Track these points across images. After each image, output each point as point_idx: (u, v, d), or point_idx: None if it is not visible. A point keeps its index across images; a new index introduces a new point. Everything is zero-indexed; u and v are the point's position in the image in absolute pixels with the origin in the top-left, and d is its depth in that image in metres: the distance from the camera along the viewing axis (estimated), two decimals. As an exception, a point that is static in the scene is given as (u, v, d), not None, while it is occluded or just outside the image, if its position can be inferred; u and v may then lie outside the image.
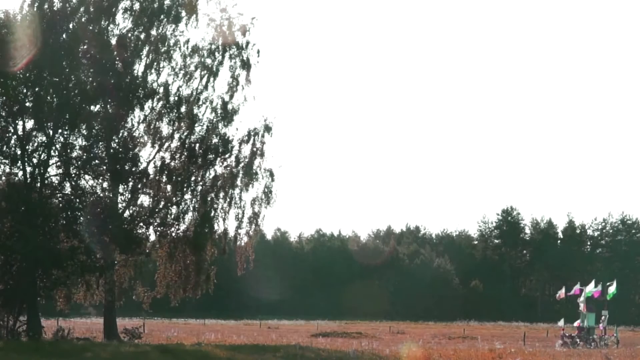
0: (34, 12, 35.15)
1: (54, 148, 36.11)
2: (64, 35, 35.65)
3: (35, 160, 35.99)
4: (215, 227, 41.34)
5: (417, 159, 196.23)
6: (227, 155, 41.15)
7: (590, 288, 46.78)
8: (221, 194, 41.26)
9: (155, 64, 39.71)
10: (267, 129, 41.90)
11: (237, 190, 41.45)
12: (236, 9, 41.41)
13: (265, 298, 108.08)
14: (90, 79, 36.26)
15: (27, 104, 35.32)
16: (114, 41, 38.35)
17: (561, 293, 51.22)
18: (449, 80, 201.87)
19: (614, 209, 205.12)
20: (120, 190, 38.40)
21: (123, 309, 50.39)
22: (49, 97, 35.36)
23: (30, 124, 35.78)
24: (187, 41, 40.52)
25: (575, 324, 47.04)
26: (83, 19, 36.94)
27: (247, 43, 41.64)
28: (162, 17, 39.31)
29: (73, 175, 36.41)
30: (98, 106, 37.36)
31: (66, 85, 35.36)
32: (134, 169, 37.17)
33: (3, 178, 36.07)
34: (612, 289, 47.51)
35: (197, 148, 40.56)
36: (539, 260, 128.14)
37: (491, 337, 51.68)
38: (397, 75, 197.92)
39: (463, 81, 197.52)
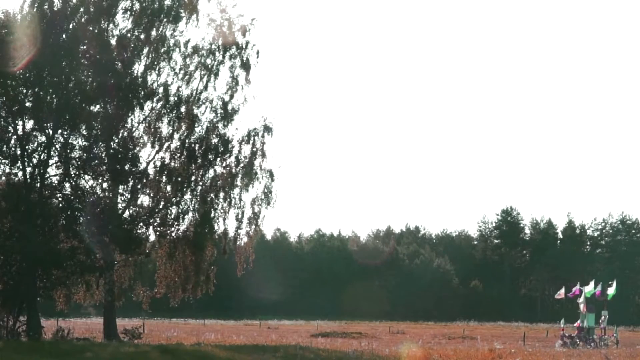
0: (34, 12, 35.14)
1: (53, 148, 36.09)
2: (64, 36, 35.63)
3: (35, 161, 35.97)
4: (215, 227, 41.41)
5: (416, 159, 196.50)
6: (227, 156, 41.18)
7: (590, 288, 46.78)
8: (221, 194, 41.30)
9: (155, 64, 39.74)
10: (267, 129, 41.96)
11: (237, 191, 41.53)
12: (236, 10, 41.54)
13: (265, 298, 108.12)
14: (90, 79, 36.24)
15: (27, 104, 35.30)
16: (114, 41, 38.36)
17: (560, 293, 51.23)
18: (448, 81, 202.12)
19: (614, 209, 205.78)
20: (120, 191, 38.40)
21: (123, 309, 50.43)
22: (48, 97, 35.36)
23: (30, 124, 35.78)
24: (187, 41, 40.63)
25: (575, 324, 47.05)
26: (83, 19, 36.93)
27: (247, 43, 41.72)
28: (162, 17, 39.32)
29: (73, 175, 36.39)
30: (98, 106, 37.35)
31: (66, 85, 35.35)
32: (133, 169, 37.17)
33: (3, 178, 36.06)
34: (612, 289, 47.51)
35: (197, 148, 40.57)
36: (539, 261, 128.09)
37: (491, 337, 51.69)
38: (397, 75, 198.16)
39: (463, 81, 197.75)
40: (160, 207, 40.29)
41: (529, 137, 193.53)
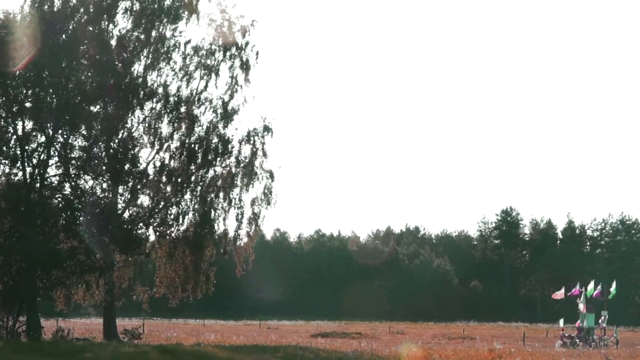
0: (33, 13, 35.14)
1: (53, 148, 36.10)
2: (63, 36, 35.62)
3: (34, 161, 35.99)
4: (215, 227, 41.38)
5: (416, 159, 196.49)
6: (227, 156, 41.16)
7: (590, 288, 46.79)
8: (221, 195, 41.28)
9: (155, 64, 39.70)
10: (267, 129, 41.94)
11: (237, 191, 41.50)
12: (236, 10, 41.52)
13: (265, 298, 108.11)
14: (90, 79, 36.24)
15: (27, 105, 35.31)
16: (113, 41, 38.36)
17: (557, 294, 51.21)
18: (448, 81, 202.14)
19: (614, 210, 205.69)
20: (120, 191, 38.40)
21: (123, 309, 50.41)
22: (48, 98, 35.36)
23: (29, 124, 35.78)
24: (188, 42, 40.59)
25: (575, 324, 47.04)
26: (83, 19, 36.92)
27: (247, 44, 41.70)
28: (162, 17, 39.31)
29: (73, 175, 36.40)
30: (98, 106, 37.34)
31: (66, 85, 35.34)
32: (133, 170, 37.17)
33: (3, 178, 36.07)
34: (611, 289, 47.52)
35: (197, 148, 40.56)
36: (539, 261, 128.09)
37: (491, 338, 51.71)
38: (397, 75, 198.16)
39: (462, 81, 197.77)
40: (160, 207, 40.28)
41: (529, 137, 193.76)
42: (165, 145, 40.50)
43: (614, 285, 47.98)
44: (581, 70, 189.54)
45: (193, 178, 40.86)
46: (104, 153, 36.94)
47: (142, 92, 38.08)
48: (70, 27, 36.05)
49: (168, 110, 40.07)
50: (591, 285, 47.01)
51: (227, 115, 41.21)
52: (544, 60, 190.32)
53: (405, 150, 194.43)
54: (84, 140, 36.31)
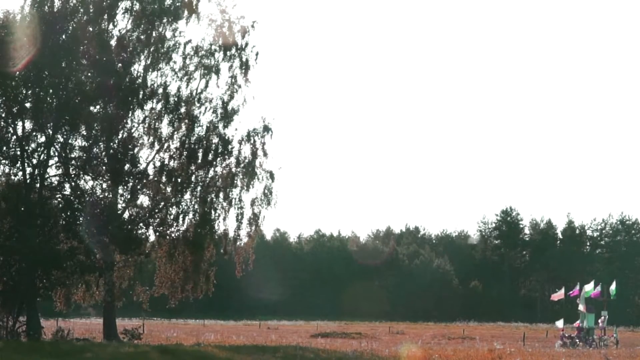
0: (33, 13, 35.17)
1: (53, 149, 36.13)
2: (63, 36, 35.65)
3: (34, 161, 36.02)
4: (215, 227, 41.37)
5: (416, 160, 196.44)
6: (227, 156, 41.17)
7: (590, 288, 46.78)
8: (221, 195, 41.27)
9: (155, 64, 39.71)
10: (267, 129, 41.95)
11: (236, 191, 41.51)
12: (236, 10, 41.52)
13: (265, 298, 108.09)
14: (90, 79, 36.28)
15: (27, 105, 35.34)
16: (113, 42, 38.37)
17: (556, 295, 51.16)
18: (448, 81, 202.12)
19: (614, 210, 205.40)
20: (120, 191, 38.41)
21: (123, 309, 50.36)
22: (48, 98, 35.39)
23: (29, 124, 35.81)
24: (188, 42, 40.59)
25: (575, 324, 47.05)
26: (83, 20, 36.94)
27: (247, 44, 41.71)
28: (162, 17, 39.32)
29: (73, 175, 36.42)
30: (98, 107, 37.37)
31: (66, 85, 35.37)
32: (133, 170, 37.20)
33: (3, 178, 36.11)
34: (611, 289, 47.52)
35: (196, 148, 40.57)
36: (539, 261, 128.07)
37: (491, 338, 51.73)
38: (396, 76, 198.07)
39: (462, 81, 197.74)
40: (160, 207, 40.29)
41: (529, 137, 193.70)
42: (165, 145, 40.54)
43: (614, 285, 47.98)
44: (581, 70, 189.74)
45: (193, 178, 40.87)
46: (104, 153, 36.96)
47: (142, 92, 38.11)
48: (70, 27, 36.09)
49: (168, 111, 40.08)
50: (590, 286, 46.99)
51: (227, 116, 41.22)
52: (543, 61, 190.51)
53: (405, 150, 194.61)
54: (84, 141, 36.34)
